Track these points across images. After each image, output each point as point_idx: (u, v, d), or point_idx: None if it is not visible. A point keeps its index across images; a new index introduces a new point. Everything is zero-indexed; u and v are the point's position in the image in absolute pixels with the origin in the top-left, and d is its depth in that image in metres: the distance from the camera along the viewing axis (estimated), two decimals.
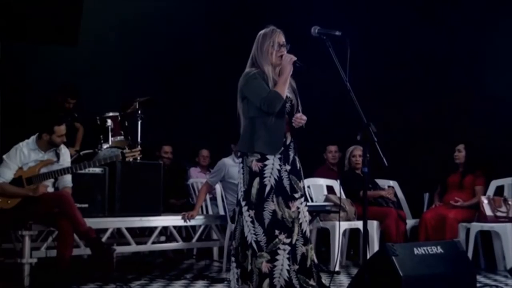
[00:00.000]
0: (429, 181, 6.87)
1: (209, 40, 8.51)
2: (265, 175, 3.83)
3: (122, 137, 6.59)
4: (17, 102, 6.84)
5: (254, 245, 3.78)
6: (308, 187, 6.47)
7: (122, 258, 6.59)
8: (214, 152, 7.72)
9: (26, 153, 5.09)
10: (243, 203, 3.86)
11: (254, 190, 3.82)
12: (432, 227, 6.17)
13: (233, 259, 3.93)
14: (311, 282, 3.81)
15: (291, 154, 3.93)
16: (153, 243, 5.87)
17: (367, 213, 3.71)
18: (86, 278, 5.15)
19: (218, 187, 6.28)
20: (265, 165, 3.83)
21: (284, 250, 3.77)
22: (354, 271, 5.90)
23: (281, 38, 3.92)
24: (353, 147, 6.72)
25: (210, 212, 6.80)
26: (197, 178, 7.44)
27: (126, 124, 6.67)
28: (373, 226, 6.11)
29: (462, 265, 4.02)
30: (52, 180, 5.18)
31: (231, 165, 6.12)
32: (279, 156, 3.86)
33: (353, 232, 6.68)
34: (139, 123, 6.67)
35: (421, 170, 7.15)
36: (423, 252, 3.87)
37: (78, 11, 6.78)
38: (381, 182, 6.93)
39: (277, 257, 3.76)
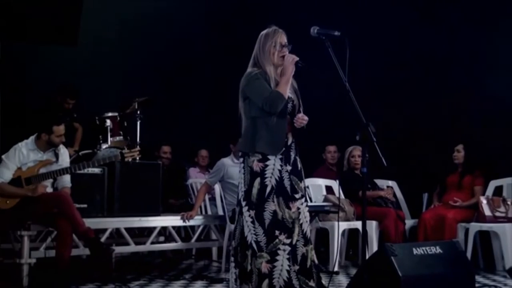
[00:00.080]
0: (428, 181, 6.87)
1: (208, 40, 8.51)
2: (266, 176, 3.82)
3: (121, 137, 6.59)
4: (17, 102, 6.84)
5: (254, 245, 3.77)
6: (307, 187, 6.46)
7: (121, 258, 6.59)
8: (213, 152, 7.71)
9: (25, 153, 5.09)
10: (243, 203, 3.85)
11: (255, 190, 3.81)
12: (431, 227, 6.18)
13: (232, 259, 3.93)
14: (311, 283, 3.80)
15: (292, 154, 3.93)
16: (152, 243, 5.88)
17: (366, 213, 3.71)
18: (85, 278, 5.15)
19: (217, 187, 6.28)
20: (266, 166, 3.83)
21: (284, 250, 3.77)
22: (353, 271, 5.90)
23: (283, 38, 3.92)
24: (352, 147, 6.72)
25: (209, 212, 6.80)
26: (196, 178, 7.44)
27: (125, 124, 6.67)
28: (372, 226, 6.11)
29: (461, 265, 4.02)
30: (51, 180, 5.18)
31: (230, 165, 6.12)
32: (280, 156, 3.85)
33: (352, 232, 6.68)
34: (138, 123, 6.66)
35: (420, 170, 7.15)
36: (422, 252, 3.87)
37: (78, 11, 6.78)
38: (380, 182, 6.93)
39: (277, 257, 3.76)
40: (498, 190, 6.33)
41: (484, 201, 6.02)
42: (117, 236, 6.03)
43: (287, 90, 3.83)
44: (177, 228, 6.37)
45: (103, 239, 5.33)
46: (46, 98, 6.95)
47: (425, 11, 7.44)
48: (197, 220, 6.06)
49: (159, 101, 7.10)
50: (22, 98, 7.09)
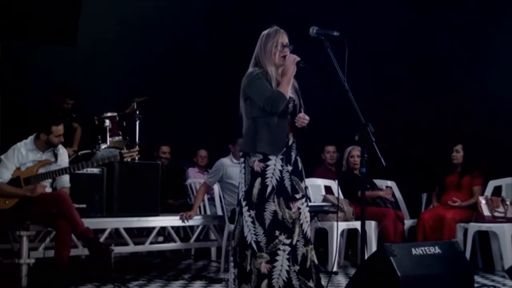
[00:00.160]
0: (427, 182, 6.87)
1: (208, 40, 8.51)
2: (267, 176, 3.82)
3: (120, 137, 6.59)
4: (17, 102, 6.85)
5: (253, 245, 3.77)
6: (306, 187, 6.46)
7: (120, 258, 6.58)
8: (212, 152, 7.71)
9: (24, 153, 5.09)
10: (243, 203, 3.85)
11: (255, 190, 3.80)
12: (430, 227, 6.18)
13: (231, 259, 3.93)
14: (310, 283, 3.80)
15: (293, 154, 3.93)
16: (151, 243, 5.88)
17: (365, 214, 3.71)
18: (84, 278, 5.15)
19: (216, 187, 6.28)
20: (267, 166, 3.82)
21: (284, 251, 3.76)
22: (352, 271, 5.90)
23: (284, 38, 3.91)
24: (351, 147, 6.72)
25: (208, 213, 6.80)
26: (195, 178, 7.44)
27: (124, 124, 6.67)
28: (371, 226, 6.11)
29: (460, 265, 4.02)
30: (50, 180, 5.17)
31: (229, 165, 6.12)
32: (281, 156, 3.85)
33: (351, 232, 6.68)
34: (137, 123, 6.66)
35: (419, 170, 7.15)
36: (421, 252, 3.87)
37: (77, 11, 6.78)
38: (379, 182, 6.93)
39: (277, 257, 3.75)
40: (497, 190, 6.34)
41: (483, 201, 6.02)
42: (116, 236, 6.03)
43: (289, 90, 3.83)
44: (176, 228, 6.37)
45: (102, 239, 5.32)
46: (45, 98, 6.95)
47: (425, 11, 7.45)
48: (196, 220, 6.07)
49: (158, 101, 7.10)
50: (22, 98, 7.09)
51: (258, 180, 3.81)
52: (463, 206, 6.24)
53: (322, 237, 6.60)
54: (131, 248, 5.71)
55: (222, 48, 8.49)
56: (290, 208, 3.81)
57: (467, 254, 5.79)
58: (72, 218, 4.84)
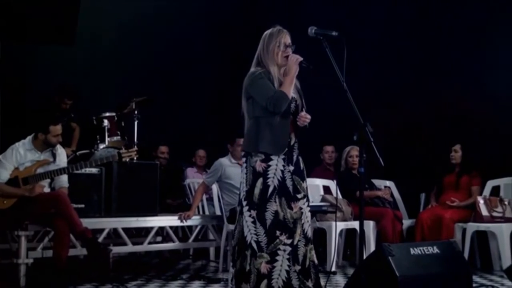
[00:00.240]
0: (425, 181, 6.88)
1: (207, 41, 8.51)
2: (269, 176, 3.82)
3: (119, 137, 6.59)
4: (17, 102, 6.85)
5: (254, 245, 3.77)
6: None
7: (119, 258, 6.57)
8: (211, 152, 7.71)
9: (22, 153, 5.09)
10: (244, 203, 3.84)
11: (257, 190, 3.80)
12: (429, 227, 6.18)
13: (231, 258, 3.94)
14: (308, 283, 3.80)
15: (295, 154, 3.93)
16: (150, 243, 5.87)
17: (364, 213, 3.71)
18: (82, 278, 5.14)
19: (214, 187, 6.28)
20: (269, 166, 3.82)
21: (284, 251, 3.77)
22: (351, 271, 5.90)
23: (287, 38, 3.91)
24: (350, 147, 6.72)
25: (207, 213, 6.81)
26: (193, 178, 7.43)
27: (123, 124, 6.67)
28: (370, 226, 6.11)
29: (458, 265, 4.02)
30: (48, 180, 5.17)
31: (228, 165, 6.12)
32: (283, 156, 3.85)
33: (349, 232, 6.68)
34: (136, 123, 6.66)
35: (417, 170, 7.15)
36: (419, 252, 3.87)
37: (75, 11, 6.78)
38: (378, 182, 6.93)
39: (277, 257, 3.75)
40: (495, 190, 6.34)
41: (481, 201, 6.03)
42: (114, 236, 6.02)
43: (291, 90, 3.83)
44: (174, 228, 6.37)
45: (100, 239, 5.32)
46: (45, 98, 6.95)
47: (425, 11, 7.45)
48: (194, 220, 6.06)
49: (157, 101, 7.10)
50: (22, 98, 7.09)
51: (260, 180, 3.81)
52: (461, 206, 6.24)
53: (320, 237, 6.60)
54: (130, 248, 5.71)
55: (221, 48, 8.49)
56: (291, 208, 3.82)
57: (466, 254, 5.79)
58: (71, 218, 4.84)
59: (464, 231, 6.08)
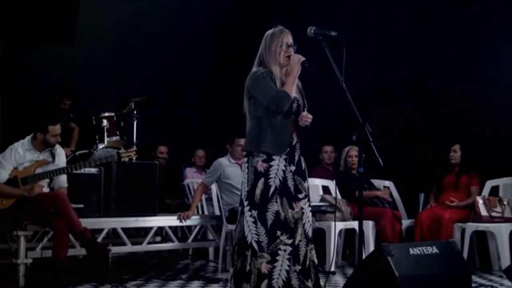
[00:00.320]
0: (424, 181, 6.88)
1: (206, 41, 8.51)
2: (270, 176, 3.82)
3: (118, 137, 6.59)
4: (17, 102, 6.84)
5: (254, 245, 3.77)
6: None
7: (118, 258, 6.58)
8: (210, 152, 7.71)
9: (21, 153, 5.08)
10: (245, 203, 3.85)
11: (258, 191, 3.81)
12: (428, 227, 6.18)
13: (230, 258, 3.94)
14: (308, 283, 3.81)
15: (297, 154, 3.93)
16: (149, 243, 5.87)
17: (363, 213, 3.71)
18: (81, 278, 5.14)
19: (213, 187, 6.28)
20: (271, 166, 3.82)
21: (285, 251, 3.77)
22: (350, 271, 5.89)
23: (289, 38, 3.91)
24: (349, 147, 6.72)
25: (206, 212, 6.80)
26: (192, 178, 7.43)
27: (122, 124, 6.67)
28: (369, 226, 6.11)
29: (457, 265, 4.02)
30: (47, 180, 5.17)
31: (227, 165, 6.13)
32: (284, 156, 3.85)
33: (348, 232, 6.68)
34: (135, 123, 6.66)
35: (416, 170, 7.15)
36: (418, 252, 3.87)
37: (74, 10, 6.78)
38: (377, 182, 6.93)
39: (277, 257, 3.76)
40: (495, 190, 6.34)
41: (480, 201, 6.03)
42: (113, 236, 6.02)
43: (294, 89, 3.83)
44: (173, 228, 6.36)
45: (99, 239, 5.32)
46: (44, 98, 6.95)
47: (425, 11, 7.44)
48: (193, 220, 6.06)
49: (156, 101, 7.09)
50: (22, 98, 7.09)
51: (261, 181, 3.81)
52: (460, 206, 6.24)
53: (319, 237, 6.60)
54: (129, 248, 5.71)
55: (220, 48, 8.49)
56: (293, 208, 3.82)
57: (465, 254, 5.79)
58: (70, 218, 4.84)
59: (463, 231, 6.08)
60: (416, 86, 7.44)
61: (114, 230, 5.86)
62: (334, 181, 6.68)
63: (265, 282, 3.72)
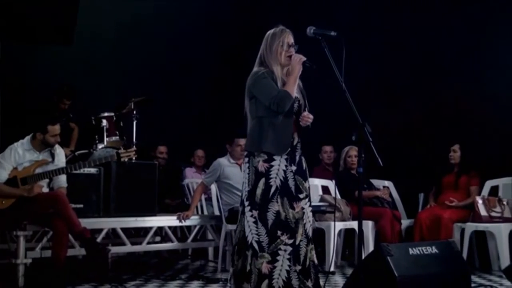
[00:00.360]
0: (424, 181, 6.87)
1: (205, 41, 8.51)
2: (271, 176, 3.82)
3: (117, 137, 6.58)
4: (16, 102, 6.84)
5: (255, 245, 3.77)
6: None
7: (117, 258, 6.58)
8: (210, 152, 7.71)
9: (20, 153, 5.08)
10: (246, 203, 3.85)
11: (259, 191, 3.81)
12: (427, 227, 6.18)
13: (230, 258, 3.94)
14: (308, 283, 3.81)
15: (297, 154, 3.93)
16: (148, 243, 5.87)
17: (362, 213, 3.71)
18: (81, 278, 5.14)
19: (213, 187, 6.27)
20: (272, 166, 3.83)
21: (285, 250, 3.77)
22: (349, 271, 5.89)
23: (290, 38, 3.91)
24: (348, 147, 6.72)
25: (205, 213, 6.80)
26: (192, 178, 7.43)
27: (121, 124, 6.67)
28: (368, 226, 6.11)
29: (457, 265, 4.03)
30: (47, 180, 5.16)
31: (227, 165, 6.13)
32: (285, 156, 3.85)
33: (348, 232, 6.68)
34: (134, 123, 6.66)
35: (416, 170, 7.15)
36: (418, 252, 3.88)
37: (74, 10, 6.78)
38: (376, 182, 6.93)
39: (278, 257, 3.76)
40: (494, 190, 6.34)
41: (480, 201, 6.03)
42: (113, 236, 6.02)
43: (295, 89, 3.83)
44: (173, 228, 6.36)
45: (99, 239, 5.32)
46: (44, 98, 6.95)
47: (425, 11, 7.44)
48: (193, 220, 6.06)
49: (156, 101, 7.09)
50: (21, 98, 7.09)
51: (262, 181, 3.81)
52: (460, 206, 6.24)
53: (319, 237, 6.60)
54: (128, 248, 5.70)
55: (220, 48, 8.48)
56: (293, 208, 3.82)
57: (464, 254, 5.79)
58: (69, 218, 4.84)
59: (462, 231, 6.08)
60: (416, 86, 7.44)
61: (113, 230, 5.86)
62: (333, 181, 6.68)
63: (266, 282, 3.73)
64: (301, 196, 3.86)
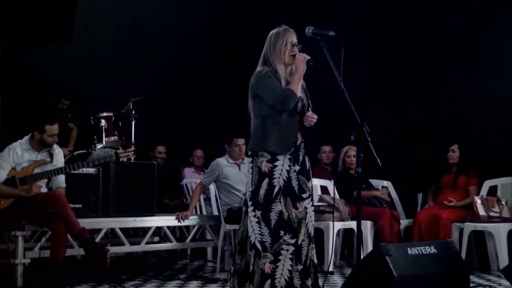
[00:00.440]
0: (423, 181, 6.88)
1: (204, 41, 8.51)
2: (275, 176, 3.82)
3: (116, 137, 6.58)
4: (16, 102, 6.84)
5: (258, 245, 3.77)
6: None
7: (116, 259, 6.58)
8: (208, 152, 7.70)
9: (19, 153, 5.08)
10: (249, 203, 3.85)
11: (262, 191, 3.80)
12: (426, 227, 6.18)
13: (230, 258, 3.94)
14: (308, 282, 3.82)
15: (301, 154, 3.93)
16: (147, 243, 5.87)
17: (361, 213, 3.71)
18: (79, 278, 5.14)
19: (212, 187, 6.27)
20: (275, 166, 3.82)
21: (287, 250, 3.77)
22: (348, 271, 5.90)
23: (293, 37, 3.91)
24: (347, 147, 6.72)
25: (204, 212, 6.80)
26: (191, 178, 7.43)
27: (120, 124, 6.66)
28: (367, 226, 6.11)
29: (456, 265, 4.03)
30: (45, 180, 5.16)
31: (225, 165, 6.13)
32: (289, 156, 3.85)
33: (347, 232, 6.68)
34: (133, 123, 6.65)
35: (415, 170, 7.15)
36: (416, 252, 3.88)
37: (72, 11, 6.77)
38: (375, 182, 6.93)
39: (280, 257, 3.76)
40: (493, 190, 6.34)
41: (478, 201, 6.03)
42: (112, 236, 6.02)
43: (299, 88, 3.83)
44: (172, 228, 6.36)
45: (98, 239, 5.32)
46: (44, 98, 6.94)
47: (425, 11, 7.44)
48: (192, 220, 6.06)
49: (154, 101, 7.09)
50: (21, 98, 7.08)
51: (266, 181, 3.81)
52: (458, 206, 6.24)
53: (318, 237, 6.59)
54: (127, 248, 5.70)
55: (219, 48, 8.48)
56: (297, 208, 3.82)
57: (463, 254, 5.80)
58: (68, 218, 4.84)
59: (461, 231, 6.09)
60: (415, 86, 7.44)
61: (112, 230, 5.85)
62: (332, 181, 6.67)
63: (268, 282, 3.73)
64: (304, 196, 3.87)
